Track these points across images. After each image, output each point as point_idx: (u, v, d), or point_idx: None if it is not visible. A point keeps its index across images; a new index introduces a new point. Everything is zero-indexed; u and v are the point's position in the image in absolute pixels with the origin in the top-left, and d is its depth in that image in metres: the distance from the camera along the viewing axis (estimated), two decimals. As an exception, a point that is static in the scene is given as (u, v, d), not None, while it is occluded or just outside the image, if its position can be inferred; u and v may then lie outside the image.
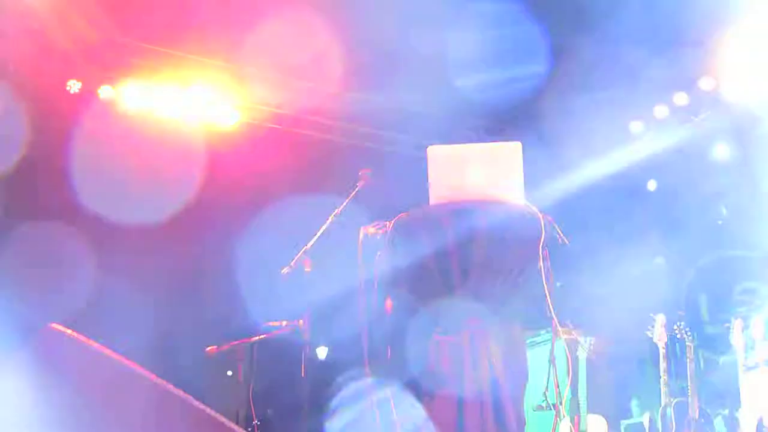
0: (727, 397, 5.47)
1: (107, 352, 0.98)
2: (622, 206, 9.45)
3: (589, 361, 4.94)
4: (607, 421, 4.84)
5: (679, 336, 4.71)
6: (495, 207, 2.21)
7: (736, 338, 4.36)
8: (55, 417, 0.92)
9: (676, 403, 4.33)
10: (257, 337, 3.74)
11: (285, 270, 2.80)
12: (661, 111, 8.33)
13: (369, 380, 2.35)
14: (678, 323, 4.75)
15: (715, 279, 7.19)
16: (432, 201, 2.30)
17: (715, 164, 8.47)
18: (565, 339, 5.09)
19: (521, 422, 2.28)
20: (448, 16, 8.04)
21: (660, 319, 4.69)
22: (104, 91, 7.66)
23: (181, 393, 0.99)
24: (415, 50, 8.39)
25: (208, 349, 4.00)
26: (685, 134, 8.65)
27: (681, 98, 8.10)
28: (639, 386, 6.25)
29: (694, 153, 8.94)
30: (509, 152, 2.33)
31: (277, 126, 8.92)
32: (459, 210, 2.20)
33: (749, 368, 4.34)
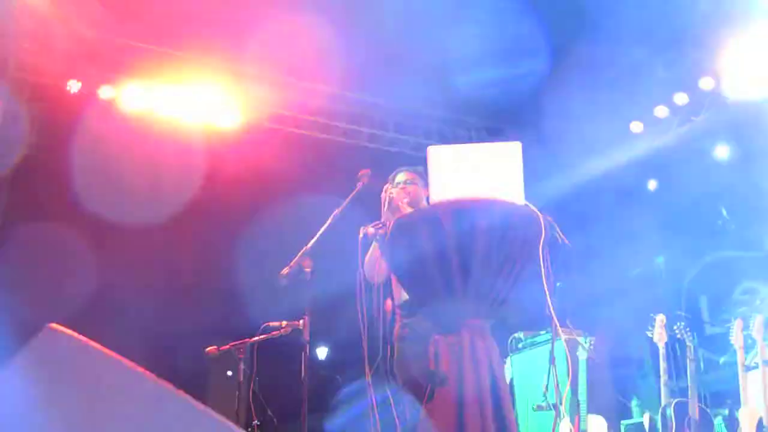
0: (727, 397, 5.47)
1: (107, 352, 0.98)
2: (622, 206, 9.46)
3: (589, 361, 4.94)
4: (607, 421, 4.84)
5: (679, 336, 4.71)
6: (495, 207, 2.21)
7: (736, 338, 4.36)
8: (54, 418, 0.92)
9: (676, 403, 4.33)
10: (257, 337, 3.74)
11: (285, 270, 2.80)
12: (661, 111, 8.34)
13: (369, 380, 2.35)
14: (678, 323, 4.75)
15: (715, 279, 7.19)
16: (432, 201, 2.30)
17: (715, 164, 8.48)
18: (565, 339, 5.10)
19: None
20: (450, 15, 8.04)
21: (660, 319, 4.69)
22: (104, 91, 7.66)
23: (181, 393, 0.99)
24: (416, 50, 8.39)
25: (208, 349, 3.99)
26: (684, 134, 8.66)
27: (681, 98, 8.11)
28: (639, 386, 6.25)
29: (694, 152, 8.95)
30: (509, 152, 2.33)
31: (277, 126, 8.92)
32: (459, 210, 2.20)
33: (749, 368, 4.34)
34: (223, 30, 7.93)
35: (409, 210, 3.01)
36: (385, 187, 3.34)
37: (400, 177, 3.34)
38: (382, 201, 3.12)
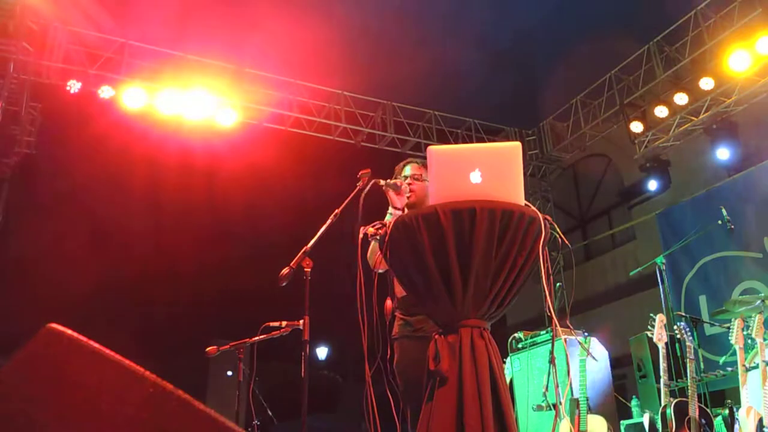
0: (727, 397, 5.47)
1: (107, 352, 0.98)
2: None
3: (589, 361, 4.94)
4: (607, 421, 4.84)
5: (679, 336, 4.71)
6: (495, 207, 2.20)
7: (736, 338, 4.36)
8: (54, 418, 0.92)
9: (676, 403, 4.33)
10: (257, 337, 3.73)
11: (285, 270, 2.79)
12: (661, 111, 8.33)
13: (368, 380, 2.35)
14: (678, 323, 4.75)
15: (715, 279, 7.19)
16: (432, 201, 2.30)
17: (716, 164, 8.48)
18: (565, 339, 5.10)
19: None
20: (449, 15, 8.04)
21: (660, 319, 4.69)
22: (104, 91, 7.67)
23: (181, 393, 0.99)
24: (416, 50, 8.39)
25: (208, 349, 3.99)
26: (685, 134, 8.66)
27: (681, 98, 8.11)
28: (639, 386, 6.26)
29: (695, 153, 8.95)
30: (509, 152, 2.32)
31: (277, 126, 8.93)
32: (459, 210, 2.20)
33: (749, 368, 4.34)
34: (223, 30, 7.94)
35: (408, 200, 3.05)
36: (401, 174, 3.32)
37: (408, 170, 3.31)
38: (394, 183, 3.09)
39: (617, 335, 8.00)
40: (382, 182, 2.97)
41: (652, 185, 9.12)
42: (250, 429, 4.53)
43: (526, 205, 2.30)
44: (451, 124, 10.11)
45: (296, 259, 2.83)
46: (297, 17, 7.70)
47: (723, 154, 8.17)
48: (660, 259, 6.02)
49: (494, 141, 10.22)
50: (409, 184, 3.22)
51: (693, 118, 8.36)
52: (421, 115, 9.90)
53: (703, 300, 7.29)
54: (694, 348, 4.59)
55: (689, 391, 4.33)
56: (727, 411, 4.57)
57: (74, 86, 7.51)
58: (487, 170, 2.25)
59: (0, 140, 7.45)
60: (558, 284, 6.32)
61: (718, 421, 4.58)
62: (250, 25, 7.79)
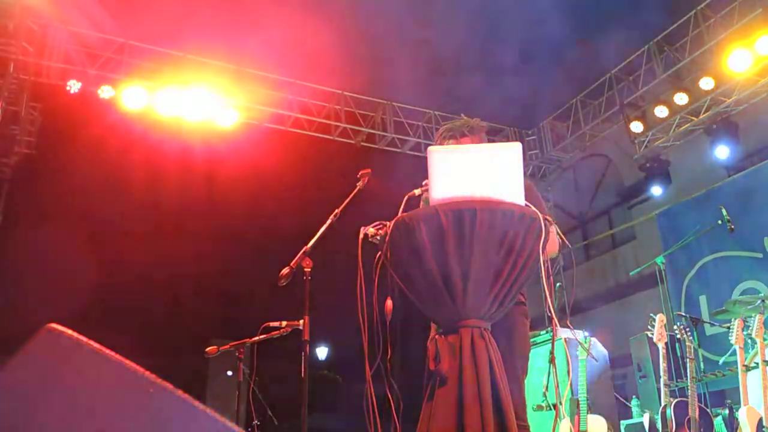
0: (727, 397, 5.47)
1: (107, 352, 0.98)
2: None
3: (589, 361, 4.94)
4: (607, 421, 4.85)
5: (679, 336, 4.71)
6: (495, 207, 2.20)
7: (736, 338, 4.36)
8: (54, 418, 0.92)
9: (676, 403, 4.33)
10: (257, 337, 3.74)
11: (285, 271, 2.79)
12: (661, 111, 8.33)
13: (369, 380, 2.35)
14: (678, 323, 4.75)
15: (715, 279, 7.19)
16: (432, 201, 2.29)
17: (716, 164, 8.47)
18: (565, 339, 5.10)
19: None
20: (448, 15, 8.04)
21: (660, 319, 4.69)
22: (104, 91, 7.67)
23: (181, 393, 0.99)
24: (416, 50, 8.39)
25: (208, 349, 4.00)
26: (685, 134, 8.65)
27: (681, 98, 8.10)
28: (639, 386, 6.26)
29: (695, 153, 8.95)
30: (509, 152, 2.32)
31: (277, 126, 8.92)
32: (459, 210, 2.19)
33: (749, 368, 4.34)
34: (223, 30, 7.94)
35: None
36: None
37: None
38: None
39: (617, 335, 8.00)
40: (418, 191, 2.62)
41: (653, 186, 9.12)
42: (250, 429, 4.53)
43: (526, 205, 2.30)
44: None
45: (296, 259, 2.83)
46: (297, 17, 7.69)
47: (723, 154, 8.17)
48: (660, 259, 6.02)
49: (494, 141, 10.21)
50: None
51: (693, 118, 8.36)
52: (421, 115, 9.89)
53: (703, 300, 7.29)
54: (694, 348, 4.60)
55: (689, 391, 4.33)
56: (727, 411, 4.58)
57: (74, 86, 7.51)
58: (487, 170, 2.25)
59: (0, 140, 7.44)
60: (558, 284, 6.32)
61: (718, 421, 4.58)
62: (250, 25, 7.79)
